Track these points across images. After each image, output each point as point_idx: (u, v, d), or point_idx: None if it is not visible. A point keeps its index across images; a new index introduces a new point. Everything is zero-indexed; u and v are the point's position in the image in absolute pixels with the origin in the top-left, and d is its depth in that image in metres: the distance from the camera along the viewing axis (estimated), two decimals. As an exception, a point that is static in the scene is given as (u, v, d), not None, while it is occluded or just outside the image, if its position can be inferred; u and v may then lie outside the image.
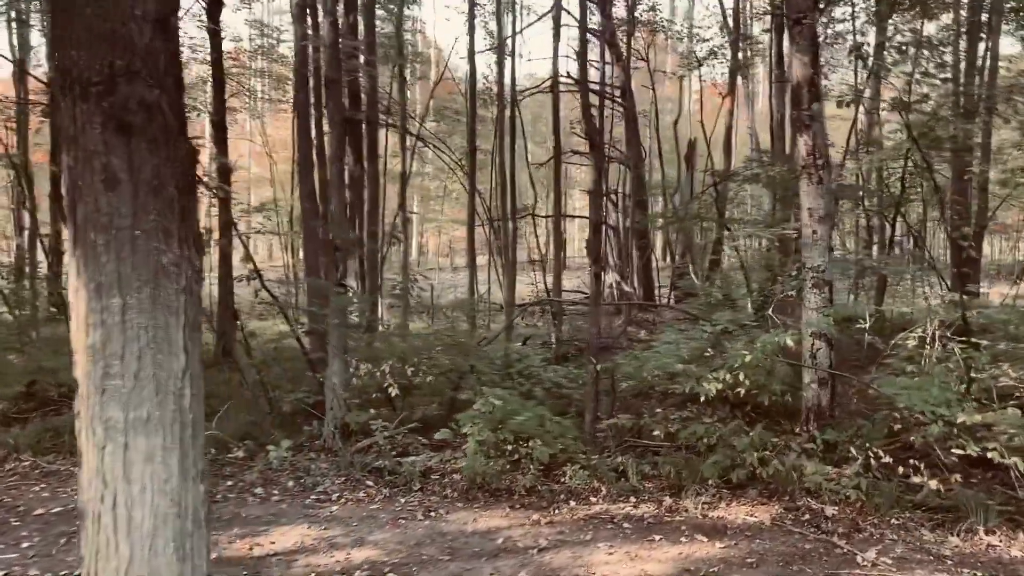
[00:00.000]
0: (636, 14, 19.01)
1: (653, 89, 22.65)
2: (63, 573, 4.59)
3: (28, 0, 15.00)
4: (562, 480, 6.36)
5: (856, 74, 14.32)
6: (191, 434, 2.43)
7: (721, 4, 19.49)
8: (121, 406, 2.30)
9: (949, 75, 12.21)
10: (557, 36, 14.91)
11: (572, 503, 5.98)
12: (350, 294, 10.24)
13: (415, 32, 23.56)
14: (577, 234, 38.65)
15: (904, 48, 10.03)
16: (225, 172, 12.18)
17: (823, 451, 6.17)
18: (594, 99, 16.96)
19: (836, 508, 5.52)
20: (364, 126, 13.10)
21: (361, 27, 13.75)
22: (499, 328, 12.92)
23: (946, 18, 14.08)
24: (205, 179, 11.05)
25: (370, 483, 6.56)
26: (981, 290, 13.07)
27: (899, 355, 7.19)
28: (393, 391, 7.71)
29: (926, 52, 10.42)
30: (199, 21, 15.48)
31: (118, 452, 2.32)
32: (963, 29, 13.49)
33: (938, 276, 11.53)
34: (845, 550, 4.90)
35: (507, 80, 16.79)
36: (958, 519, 5.29)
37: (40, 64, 17.19)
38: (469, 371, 8.57)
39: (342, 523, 5.61)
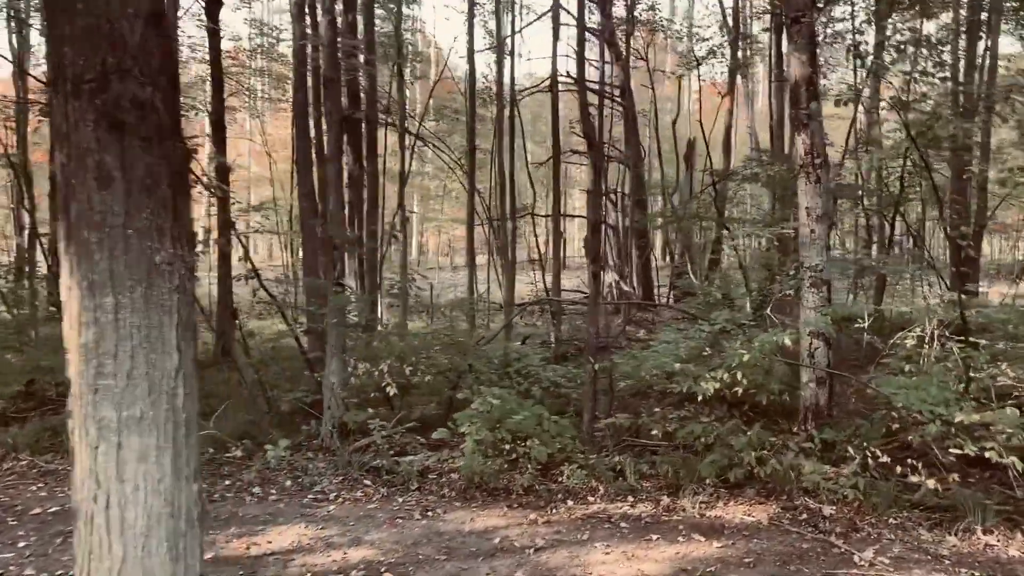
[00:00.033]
0: (635, 13, 18.98)
1: (652, 88, 22.64)
2: (59, 573, 4.59)
3: (27, -1, 14.98)
4: (560, 479, 6.35)
5: (855, 73, 14.29)
6: (184, 433, 2.42)
7: (720, 3, 19.50)
8: (114, 405, 2.30)
9: (948, 74, 12.20)
10: (556, 35, 14.90)
11: (569, 502, 5.98)
12: (348, 293, 10.24)
13: (414, 31, 23.51)
14: (577, 233, 38.64)
15: (903, 47, 10.00)
16: (224, 171, 12.16)
17: (821, 450, 6.17)
18: (594, 98, 16.98)
19: (834, 507, 5.51)
20: (363, 125, 13.09)
21: (361, 26, 13.75)
22: (498, 327, 12.91)
23: (945, 17, 14.07)
24: (204, 178, 11.04)
25: (368, 482, 6.55)
26: (980, 289, 13.08)
27: (898, 354, 7.18)
28: (391, 390, 7.71)
29: (925, 51, 10.40)
30: (198, 20, 15.48)
31: (111, 452, 2.31)
32: (962, 28, 13.49)
33: (937, 275, 11.53)
34: (843, 549, 4.89)
35: (506, 79, 16.80)
36: (956, 519, 5.28)
37: (40, 64, 17.17)
38: (467, 370, 8.56)
39: (339, 522, 5.61)
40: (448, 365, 8.78)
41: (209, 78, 13.08)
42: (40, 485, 6.55)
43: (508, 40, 17.71)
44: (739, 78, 21.85)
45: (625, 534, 5.28)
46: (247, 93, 23.51)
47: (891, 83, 13.01)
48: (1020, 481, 5.52)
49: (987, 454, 5.37)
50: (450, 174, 23.55)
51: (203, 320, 11.94)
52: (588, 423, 7.33)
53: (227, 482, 6.61)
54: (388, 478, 6.61)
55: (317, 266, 9.84)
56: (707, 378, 6.48)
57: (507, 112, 16.24)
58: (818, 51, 8.39)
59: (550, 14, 14.99)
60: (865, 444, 5.91)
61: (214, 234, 11.88)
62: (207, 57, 13.59)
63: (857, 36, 13.23)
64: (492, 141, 17.41)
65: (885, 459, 5.62)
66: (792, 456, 6.00)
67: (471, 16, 17.23)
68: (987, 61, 13.65)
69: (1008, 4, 12.81)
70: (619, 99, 18.00)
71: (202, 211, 20.69)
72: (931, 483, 5.47)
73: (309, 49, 11.26)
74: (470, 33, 16.85)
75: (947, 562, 4.69)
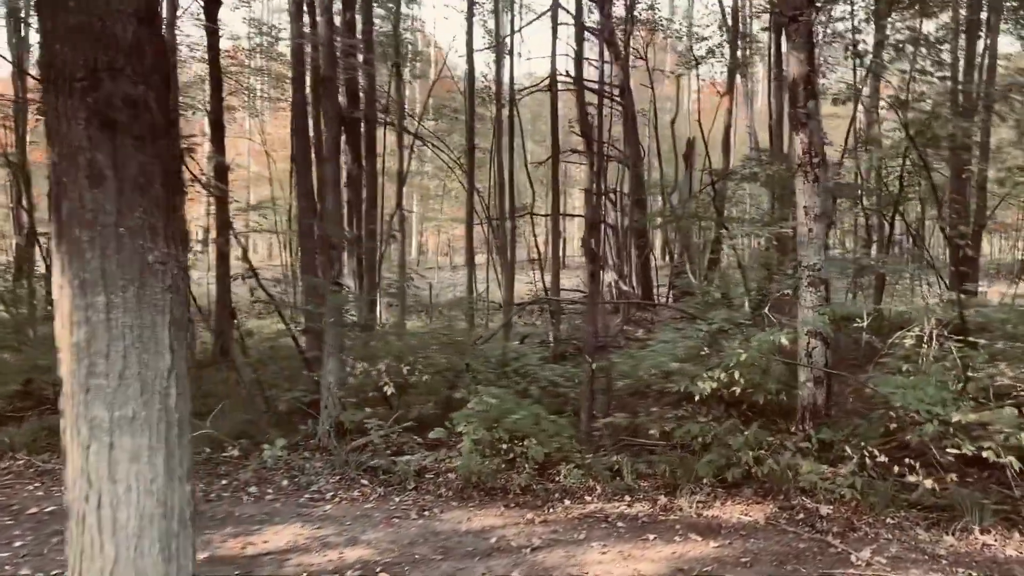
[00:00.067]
0: (635, 13, 18.97)
1: (652, 88, 22.62)
2: (54, 572, 4.58)
3: (26, -2, 14.96)
4: (557, 479, 6.34)
5: (855, 72, 14.28)
6: (177, 433, 2.42)
7: (720, 2, 19.49)
8: (106, 405, 2.29)
9: (947, 73, 12.18)
10: (555, 35, 14.92)
11: (567, 502, 5.97)
12: (346, 292, 10.23)
13: (413, 30, 23.48)
14: (576, 233, 38.59)
15: (902, 46, 9.99)
16: (222, 171, 12.15)
17: (818, 450, 6.17)
18: (593, 98, 16.99)
19: (831, 507, 5.50)
20: (362, 124, 13.07)
21: (359, 25, 13.73)
22: (496, 327, 12.90)
23: (945, 16, 14.05)
24: (202, 178, 11.04)
25: (365, 482, 6.54)
26: (980, 289, 13.05)
27: (896, 354, 7.17)
28: (389, 390, 7.69)
29: (924, 50, 10.39)
30: (197, 19, 15.44)
31: (103, 451, 2.31)
32: (962, 27, 13.46)
33: (936, 275, 11.51)
34: (840, 549, 4.88)
35: (506, 79, 16.81)
36: (953, 518, 5.27)
37: (38, 63, 17.13)
38: (465, 370, 8.55)
39: (335, 522, 5.60)
40: (446, 364, 8.78)
41: (208, 77, 13.07)
42: (37, 484, 6.54)
43: (507, 39, 17.73)
44: (738, 77, 21.84)
45: (622, 534, 5.27)
46: (246, 92, 23.49)
47: (890, 82, 12.98)
48: (1018, 481, 5.51)
49: (985, 454, 5.37)
50: (449, 173, 23.54)
51: (201, 319, 11.93)
52: (586, 422, 7.33)
53: (224, 481, 6.60)
54: (385, 477, 6.61)
55: (315, 265, 9.84)
56: (705, 377, 6.48)
57: (506, 111, 16.24)
58: (817, 50, 8.39)
59: (549, 14, 15.02)
60: (863, 444, 5.90)
61: (213, 233, 11.86)
62: (206, 56, 13.58)
63: (856, 35, 13.23)
64: (491, 140, 17.41)
65: (883, 459, 5.61)
66: (789, 456, 6.00)
67: (470, 15, 17.23)
68: (986, 60, 13.62)
69: (1007, 3, 12.79)
70: (618, 98, 17.98)
71: (201, 210, 20.69)
72: (929, 483, 5.46)
73: (308, 48, 11.24)
74: (469, 32, 16.86)
75: (944, 562, 4.68)
